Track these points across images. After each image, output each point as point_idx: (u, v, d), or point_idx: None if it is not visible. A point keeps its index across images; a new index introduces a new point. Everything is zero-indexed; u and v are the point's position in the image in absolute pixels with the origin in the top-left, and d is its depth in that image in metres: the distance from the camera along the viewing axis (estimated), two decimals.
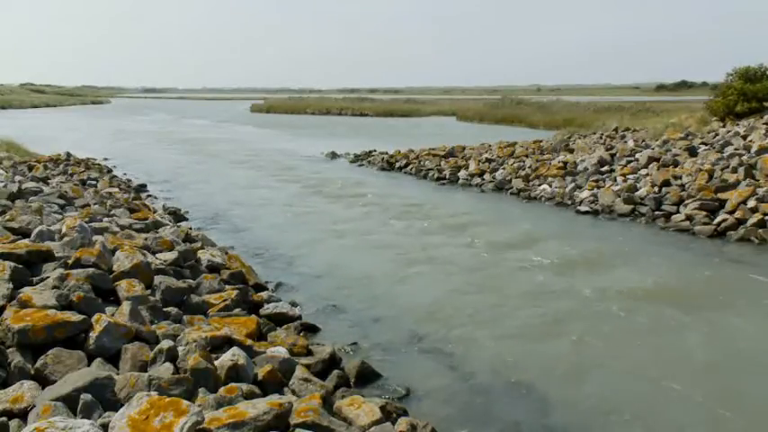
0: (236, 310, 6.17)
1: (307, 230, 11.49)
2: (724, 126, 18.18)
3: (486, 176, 17.12)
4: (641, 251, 10.03)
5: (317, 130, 39.10)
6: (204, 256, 7.80)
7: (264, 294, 7.16)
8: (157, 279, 6.22)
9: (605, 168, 15.36)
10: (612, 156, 16.25)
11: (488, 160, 18.61)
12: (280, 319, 6.45)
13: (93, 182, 14.45)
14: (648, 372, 5.70)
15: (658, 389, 5.35)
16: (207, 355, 4.56)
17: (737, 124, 17.83)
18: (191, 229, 10.10)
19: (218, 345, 4.95)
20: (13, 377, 4.08)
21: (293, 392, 4.58)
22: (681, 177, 13.18)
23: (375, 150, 23.19)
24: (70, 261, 5.93)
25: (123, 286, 5.65)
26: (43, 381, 4.06)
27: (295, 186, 16.88)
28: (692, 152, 15.11)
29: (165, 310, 5.66)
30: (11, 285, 5.10)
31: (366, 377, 5.40)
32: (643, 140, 18.05)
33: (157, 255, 7.18)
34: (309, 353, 5.56)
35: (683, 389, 5.37)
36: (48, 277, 5.47)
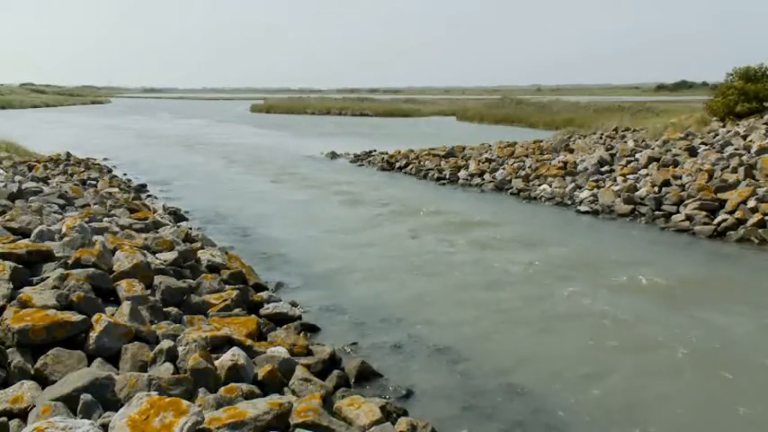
0: (236, 310, 6.17)
1: (307, 230, 11.49)
2: (724, 126, 18.17)
3: (486, 176, 17.11)
4: (641, 251, 10.03)
5: (317, 130, 39.09)
6: (204, 256, 7.81)
7: (264, 294, 7.15)
8: (157, 279, 6.22)
9: (605, 168, 15.36)
10: (612, 156, 16.24)
11: (488, 160, 18.60)
12: (280, 319, 6.45)
13: (93, 182, 14.45)
14: (649, 372, 5.71)
15: (660, 390, 5.35)
16: (207, 354, 4.56)
17: (737, 124, 17.81)
18: (191, 229, 10.10)
19: (219, 345, 4.95)
20: (13, 377, 4.08)
21: (293, 392, 4.59)
22: (681, 177, 13.19)
23: (375, 150, 23.19)
24: (70, 261, 5.94)
25: (123, 286, 5.65)
26: (43, 381, 4.06)
27: (295, 186, 16.87)
28: (692, 152, 15.11)
29: (165, 310, 5.66)
30: (11, 285, 5.11)
31: (366, 377, 5.40)
32: (643, 140, 18.05)
33: (157, 255, 7.18)
34: (309, 353, 5.56)
35: (682, 389, 5.38)
36: (48, 277, 5.47)
